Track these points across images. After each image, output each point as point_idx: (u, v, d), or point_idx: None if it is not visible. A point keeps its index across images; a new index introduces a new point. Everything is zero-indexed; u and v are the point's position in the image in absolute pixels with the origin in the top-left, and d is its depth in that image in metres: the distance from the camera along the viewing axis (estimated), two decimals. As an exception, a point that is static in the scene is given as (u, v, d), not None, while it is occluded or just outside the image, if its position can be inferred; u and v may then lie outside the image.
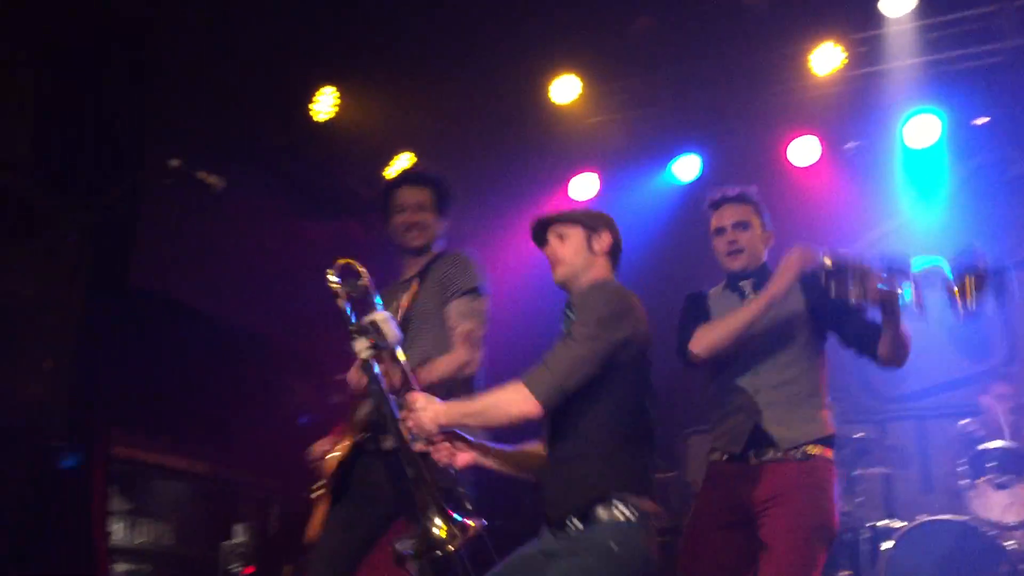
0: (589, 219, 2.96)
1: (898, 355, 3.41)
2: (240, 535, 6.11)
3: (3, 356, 3.74)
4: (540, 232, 2.99)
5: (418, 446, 2.74)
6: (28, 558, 3.81)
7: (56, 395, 3.97)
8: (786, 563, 3.15)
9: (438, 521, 2.62)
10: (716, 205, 3.69)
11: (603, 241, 2.93)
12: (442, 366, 3.36)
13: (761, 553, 3.21)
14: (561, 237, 2.93)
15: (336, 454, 3.42)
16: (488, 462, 2.86)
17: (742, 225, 3.60)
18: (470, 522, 2.64)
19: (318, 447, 3.47)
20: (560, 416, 2.67)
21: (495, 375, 3.50)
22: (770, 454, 3.30)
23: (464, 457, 2.80)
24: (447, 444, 2.77)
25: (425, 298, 3.51)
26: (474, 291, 3.49)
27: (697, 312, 3.57)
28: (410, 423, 2.70)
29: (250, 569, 5.94)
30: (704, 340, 3.36)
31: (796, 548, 3.16)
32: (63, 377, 4.00)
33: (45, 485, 3.92)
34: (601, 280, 2.88)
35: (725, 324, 3.36)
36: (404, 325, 3.36)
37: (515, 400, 2.60)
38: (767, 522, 3.21)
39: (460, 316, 3.45)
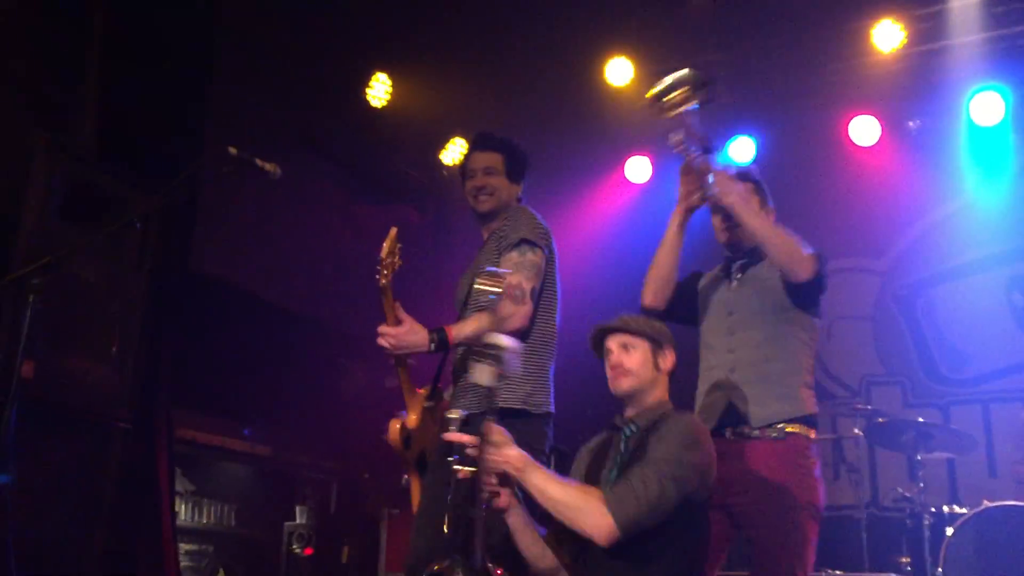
0: (656, 334, 2.89)
1: (773, 258, 3.34)
2: (301, 516, 6.21)
3: (71, 341, 3.83)
4: (600, 339, 2.93)
5: (486, 479, 2.56)
6: (96, 538, 3.91)
7: (122, 379, 4.05)
8: (775, 544, 3.15)
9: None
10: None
11: (668, 360, 2.89)
12: (474, 323, 3.30)
13: (749, 538, 3.22)
14: (626, 348, 2.87)
15: (397, 425, 3.46)
16: (518, 528, 2.69)
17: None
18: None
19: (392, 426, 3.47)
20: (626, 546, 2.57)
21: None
22: (744, 431, 3.27)
23: (507, 507, 2.65)
24: (507, 490, 2.63)
25: (484, 260, 3.47)
26: (523, 243, 3.39)
27: (688, 284, 3.65)
28: (495, 455, 2.55)
29: (310, 550, 6.03)
30: (645, 285, 3.53)
31: (780, 528, 3.15)
32: (128, 361, 4.09)
33: (112, 467, 4.01)
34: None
35: (652, 262, 3.54)
36: (468, 291, 3.44)
37: (595, 516, 2.50)
38: (745, 503, 3.19)
39: (507, 270, 3.35)
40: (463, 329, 3.33)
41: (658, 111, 3.25)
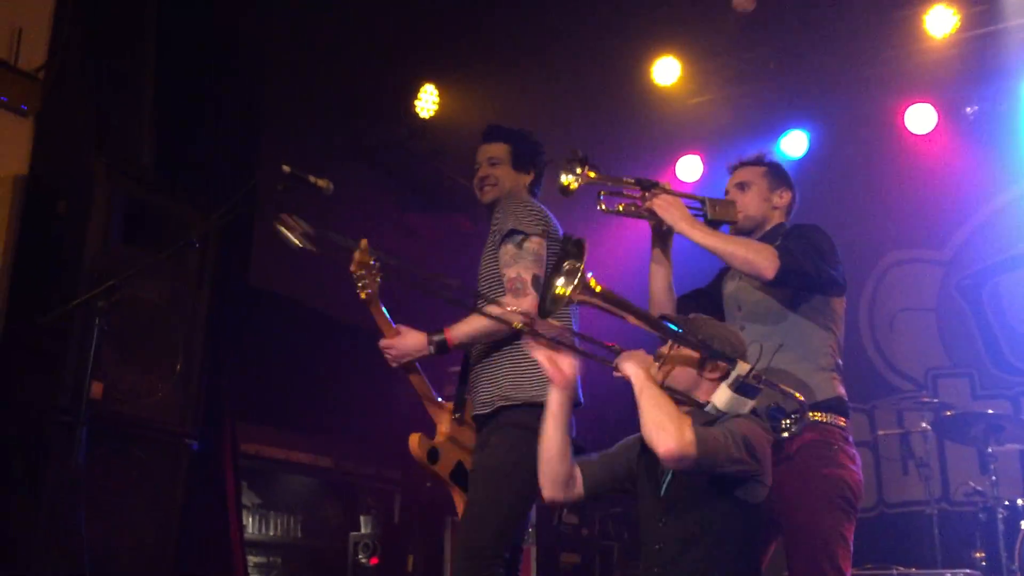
0: (710, 351, 2.82)
1: (735, 268, 3.34)
2: (365, 526, 6.26)
3: (137, 360, 3.91)
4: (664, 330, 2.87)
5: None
6: (167, 554, 3.98)
7: (187, 396, 4.12)
8: (802, 542, 3.07)
9: None
10: (731, 169, 3.68)
11: (718, 370, 2.81)
12: (474, 321, 3.31)
13: (783, 532, 3.13)
14: (669, 345, 2.85)
15: (416, 439, 3.55)
16: (564, 409, 2.81)
17: (741, 186, 3.56)
18: None
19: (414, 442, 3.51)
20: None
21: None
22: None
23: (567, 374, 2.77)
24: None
25: (484, 255, 3.51)
26: (513, 233, 3.35)
27: (715, 284, 3.67)
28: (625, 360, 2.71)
29: (376, 559, 6.07)
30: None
31: (807, 525, 3.07)
32: (193, 378, 4.16)
33: (180, 483, 4.08)
34: (744, 418, 2.75)
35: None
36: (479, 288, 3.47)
37: (682, 429, 2.52)
38: (774, 500, 3.03)
39: (505, 265, 3.35)
40: (462, 328, 3.35)
41: (572, 188, 3.32)
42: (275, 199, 3.30)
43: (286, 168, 3.17)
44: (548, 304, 2.71)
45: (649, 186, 3.41)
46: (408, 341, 3.45)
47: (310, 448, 6.19)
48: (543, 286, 2.80)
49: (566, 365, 2.73)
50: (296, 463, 6.17)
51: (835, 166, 7.04)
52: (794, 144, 7.18)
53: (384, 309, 3.48)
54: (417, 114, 6.83)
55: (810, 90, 6.84)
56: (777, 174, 3.61)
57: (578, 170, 3.30)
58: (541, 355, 2.73)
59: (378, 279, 3.41)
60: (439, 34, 6.32)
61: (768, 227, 3.51)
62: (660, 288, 3.51)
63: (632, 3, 6.21)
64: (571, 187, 3.31)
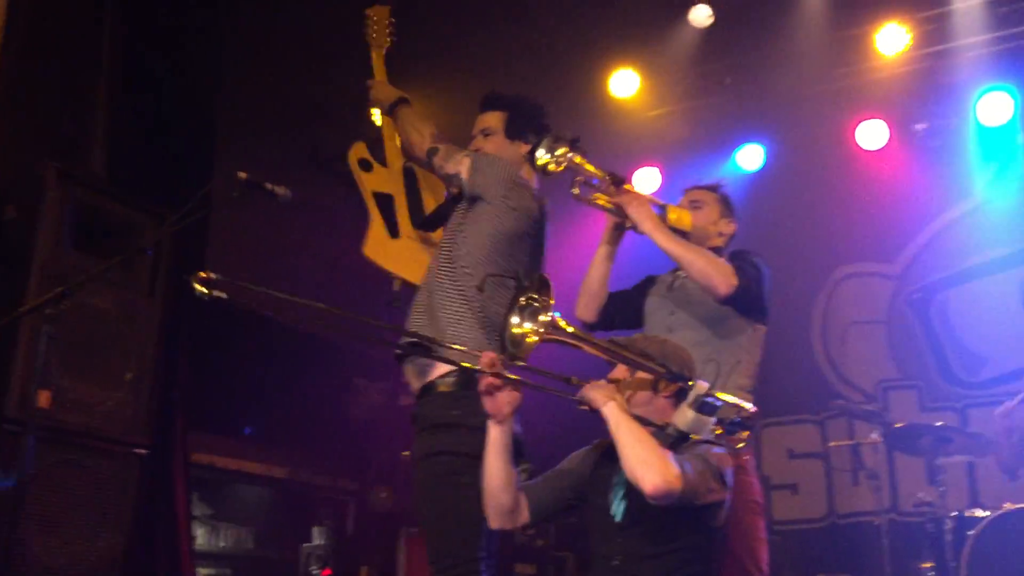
0: (671, 374, 2.82)
1: (690, 277, 3.41)
2: (318, 537, 6.20)
3: (86, 369, 3.85)
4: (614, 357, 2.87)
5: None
6: (115, 564, 3.91)
7: (137, 404, 4.06)
8: (736, 541, 3.14)
9: None
10: (687, 189, 3.79)
11: (670, 389, 2.84)
12: (412, 120, 3.45)
13: None
14: (627, 368, 2.84)
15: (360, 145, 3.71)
16: (502, 446, 2.75)
17: (695, 204, 3.67)
18: None
19: None
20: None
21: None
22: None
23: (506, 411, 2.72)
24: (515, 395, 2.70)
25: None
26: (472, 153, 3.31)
27: (640, 288, 3.73)
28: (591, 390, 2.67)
29: (328, 571, 6.02)
30: (578, 299, 3.61)
31: (733, 527, 3.09)
32: (144, 387, 4.10)
33: (129, 493, 4.02)
34: (701, 445, 2.76)
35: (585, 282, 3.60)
36: None
37: (665, 464, 2.49)
38: None
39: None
40: (407, 115, 3.47)
41: (550, 169, 3.33)
42: (231, 206, 3.26)
43: (242, 175, 3.12)
44: (511, 347, 2.66)
45: (619, 182, 3.46)
46: (384, 89, 3.66)
47: (263, 458, 6.13)
48: (501, 326, 2.73)
49: (505, 400, 2.68)
50: (248, 473, 6.10)
51: (789, 180, 7.14)
52: (750, 158, 7.27)
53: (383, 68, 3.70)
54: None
55: (765, 105, 6.94)
56: (729, 205, 3.73)
57: (559, 151, 3.28)
58: (482, 386, 2.66)
59: (388, 40, 3.72)
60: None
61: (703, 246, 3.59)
62: (598, 281, 3.59)
63: (591, 16, 6.25)
64: (549, 167, 3.29)
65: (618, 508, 2.73)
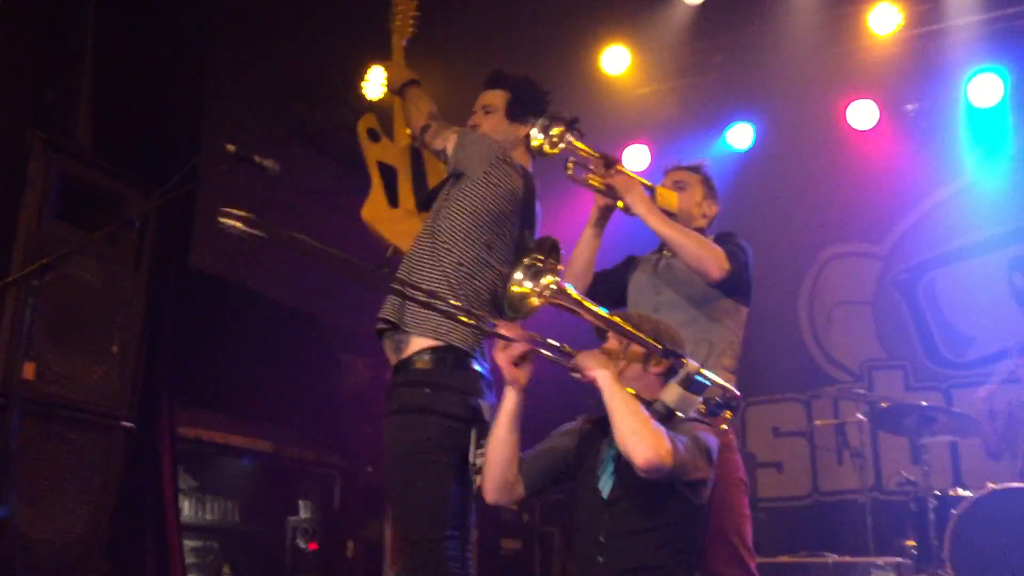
0: (665, 351, 2.81)
1: (683, 261, 3.42)
2: (304, 511, 6.21)
3: (71, 341, 3.82)
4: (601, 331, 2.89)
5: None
6: (100, 537, 3.91)
7: (123, 378, 4.04)
8: (720, 516, 3.17)
9: None
10: (668, 169, 3.80)
11: (661, 365, 2.85)
12: (421, 101, 3.48)
13: None
14: (620, 342, 2.84)
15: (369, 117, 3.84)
16: (512, 417, 2.77)
17: (679, 184, 3.68)
18: None
19: None
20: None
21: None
22: None
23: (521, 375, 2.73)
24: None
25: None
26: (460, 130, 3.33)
27: (622, 269, 3.75)
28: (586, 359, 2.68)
29: (314, 544, 6.03)
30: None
31: (718, 506, 3.15)
32: (129, 360, 4.08)
33: (115, 466, 4.00)
34: (688, 422, 2.78)
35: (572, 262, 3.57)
36: None
37: (658, 438, 2.51)
38: None
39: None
40: (417, 97, 3.50)
41: (546, 151, 3.34)
42: (218, 179, 3.24)
43: (230, 148, 3.09)
44: (509, 307, 2.65)
45: (611, 163, 3.46)
46: (396, 71, 3.69)
47: (249, 432, 6.11)
48: (503, 285, 2.73)
49: (525, 368, 2.69)
50: (235, 447, 6.08)
51: (779, 159, 7.14)
52: (740, 136, 7.26)
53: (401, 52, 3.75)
54: (364, 96, 6.75)
55: (756, 84, 6.93)
56: (711, 186, 3.75)
57: (554, 131, 3.29)
58: (503, 357, 2.67)
59: (411, 29, 3.78)
60: (385, 19, 6.25)
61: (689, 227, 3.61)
62: (584, 261, 3.58)
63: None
64: (544, 148, 3.31)
65: (605, 484, 2.74)
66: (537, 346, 2.70)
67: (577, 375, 2.70)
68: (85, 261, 3.85)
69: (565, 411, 3.08)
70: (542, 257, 2.63)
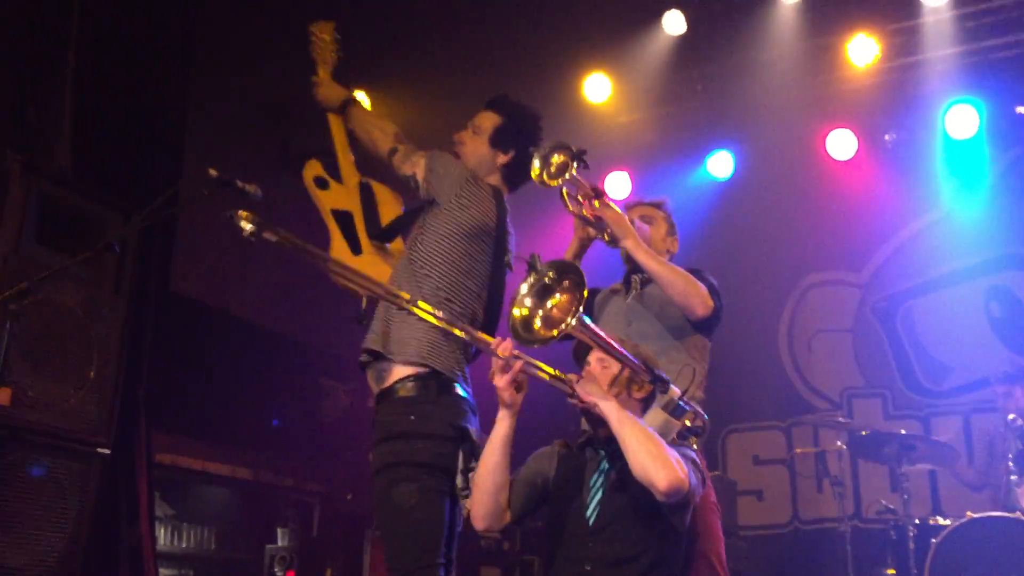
0: (656, 375, 2.87)
1: (670, 296, 3.47)
2: (282, 538, 6.15)
3: (49, 366, 3.78)
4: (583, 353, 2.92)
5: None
6: (75, 565, 3.85)
7: (100, 403, 4.00)
8: (701, 540, 3.26)
9: None
10: (632, 204, 3.87)
11: (644, 391, 2.90)
12: (372, 119, 3.45)
13: None
14: (603, 363, 2.87)
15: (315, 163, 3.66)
16: (503, 441, 2.77)
17: (645, 219, 3.76)
18: None
19: None
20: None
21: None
22: None
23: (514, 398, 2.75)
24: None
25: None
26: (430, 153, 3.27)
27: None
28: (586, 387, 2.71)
29: (292, 572, 5.96)
30: None
31: (702, 524, 3.28)
32: (107, 385, 4.03)
33: (91, 492, 3.95)
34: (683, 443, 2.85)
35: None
36: None
37: (671, 464, 2.56)
38: None
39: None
40: (362, 115, 3.48)
41: (545, 181, 3.30)
42: (200, 204, 3.22)
43: (213, 172, 3.08)
44: (525, 333, 2.61)
45: (599, 195, 3.49)
46: (332, 88, 3.63)
47: (227, 459, 6.05)
48: (513, 302, 2.68)
49: (522, 391, 2.71)
50: (213, 474, 6.02)
51: (759, 187, 7.19)
52: (720, 165, 7.31)
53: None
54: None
55: (736, 113, 6.99)
56: (673, 223, 3.84)
57: (556, 159, 3.26)
58: (502, 379, 2.67)
59: (334, 57, 3.68)
60: (371, 43, 6.27)
61: None
62: None
63: (565, 20, 6.26)
64: (544, 178, 3.26)
65: (592, 512, 2.73)
66: (535, 369, 2.69)
67: (575, 401, 2.71)
68: (64, 285, 3.82)
69: (535, 430, 3.08)
70: (569, 284, 2.62)
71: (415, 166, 3.24)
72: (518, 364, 2.64)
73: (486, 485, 2.76)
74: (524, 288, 2.67)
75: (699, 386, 3.52)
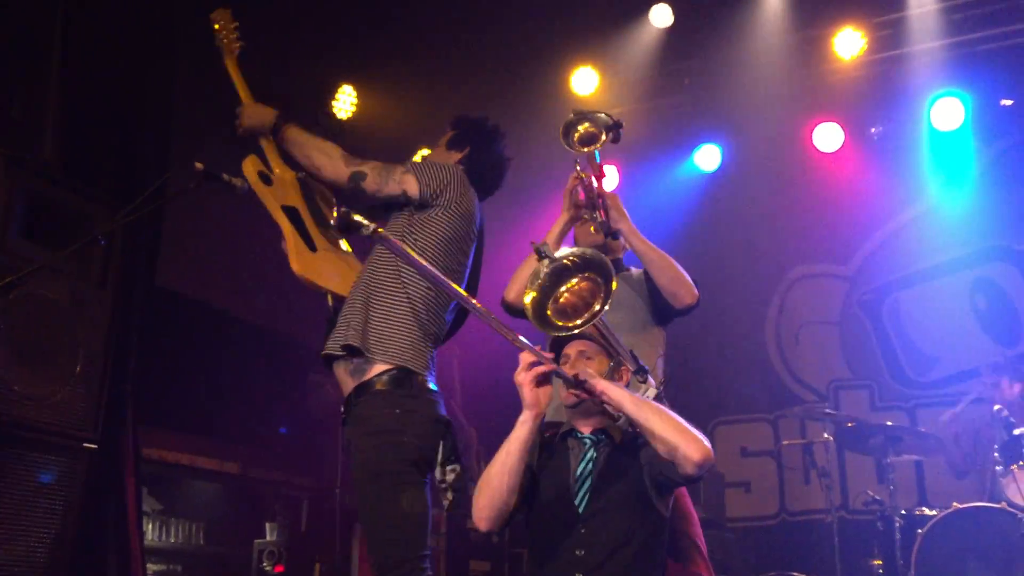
0: (616, 350, 2.88)
1: (661, 283, 3.52)
2: (271, 533, 6.14)
3: (35, 361, 3.76)
4: (559, 346, 2.92)
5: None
6: (62, 560, 3.84)
7: (87, 398, 3.98)
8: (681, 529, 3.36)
9: None
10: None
11: (623, 381, 2.91)
12: (317, 140, 3.30)
13: None
14: (584, 355, 2.88)
15: (251, 159, 3.50)
16: (525, 445, 2.73)
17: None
18: None
19: None
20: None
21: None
22: None
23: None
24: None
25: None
26: (405, 164, 3.24)
27: None
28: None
29: (281, 567, 5.95)
30: (511, 284, 3.60)
31: (682, 512, 3.36)
32: (94, 380, 4.01)
33: (78, 487, 3.94)
34: None
35: (524, 264, 3.58)
36: None
37: (699, 438, 2.60)
38: None
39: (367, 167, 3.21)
40: (298, 135, 3.32)
41: (571, 143, 3.40)
42: (187, 197, 3.21)
43: (199, 165, 3.08)
44: (553, 319, 2.60)
45: (601, 176, 3.61)
46: (258, 111, 3.45)
47: (215, 453, 6.03)
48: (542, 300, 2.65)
49: (544, 392, 2.66)
50: (200, 469, 6.01)
51: (746, 180, 7.21)
52: (707, 158, 7.32)
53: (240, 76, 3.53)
54: (335, 115, 6.75)
55: (723, 106, 7.00)
56: None
57: (585, 127, 3.36)
58: (527, 377, 2.62)
59: (237, 44, 3.55)
60: (358, 35, 6.26)
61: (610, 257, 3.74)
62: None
63: (553, 13, 6.25)
64: (573, 142, 3.36)
65: (583, 499, 2.75)
66: (555, 367, 2.67)
67: (572, 393, 2.74)
68: (50, 279, 3.79)
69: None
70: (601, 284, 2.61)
71: (403, 184, 3.19)
72: (546, 366, 2.62)
73: (500, 487, 2.70)
74: (543, 273, 2.63)
75: (661, 376, 3.58)
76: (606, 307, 2.54)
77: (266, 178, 3.43)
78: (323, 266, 3.38)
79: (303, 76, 6.42)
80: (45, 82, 4.46)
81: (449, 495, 2.96)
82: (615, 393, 2.66)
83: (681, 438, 2.58)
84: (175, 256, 5.30)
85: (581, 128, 3.40)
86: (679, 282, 3.48)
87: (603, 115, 3.40)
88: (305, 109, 6.66)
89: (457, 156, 3.41)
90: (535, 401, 2.64)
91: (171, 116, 5.22)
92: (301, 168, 3.40)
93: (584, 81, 6.98)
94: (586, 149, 3.37)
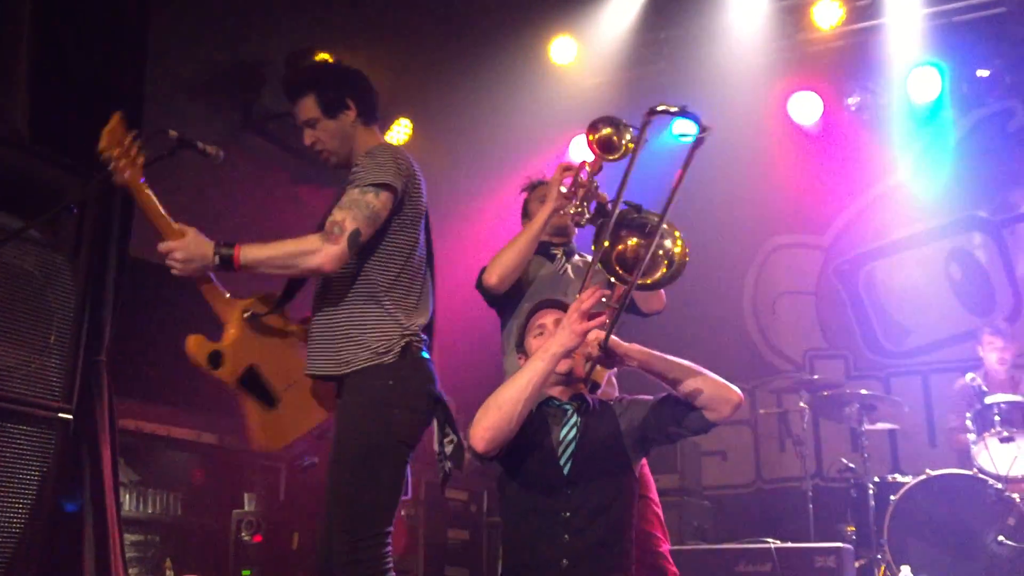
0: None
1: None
2: (249, 503, 6.14)
3: (7, 331, 3.72)
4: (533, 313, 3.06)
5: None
6: (38, 531, 3.82)
7: (61, 368, 3.94)
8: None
9: None
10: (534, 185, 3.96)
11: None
12: (272, 248, 2.94)
13: None
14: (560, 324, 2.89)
15: (193, 340, 3.48)
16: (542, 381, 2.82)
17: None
18: None
19: None
20: None
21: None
22: None
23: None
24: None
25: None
26: (371, 185, 2.92)
27: None
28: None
29: (259, 537, 5.96)
30: (494, 268, 3.56)
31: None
32: (67, 350, 3.98)
33: (53, 459, 3.91)
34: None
35: (508, 248, 3.58)
36: None
37: (729, 385, 2.83)
38: None
39: (338, 205, 2.92)
40: (257, 252, 2.96)
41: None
42: (160, 164, 3.17)
43: (173, 133, 3.04)
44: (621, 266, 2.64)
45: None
46: (198, 246, 3.02)
47: (192, 424, 6.01)
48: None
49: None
50: (178, 439, 5.99)
51: (723, 151, 7.20)
52: (686, 128, 7.30)
53: (156, 200, 3.03)
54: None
55: (701, 76, 6.97)
56: None
57: (607, 131, 3.45)
58: (580, 321, 2.66)
59: (140, 160, 3.00)
60: (330, 3, 6.19)
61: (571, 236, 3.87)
62: (527, 260, 3.64)
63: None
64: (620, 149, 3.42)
65: (567, 462, 2.80)
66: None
67: (583, 364, 2.84)
68: (21, 249, 3.75)
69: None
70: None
71: (382, 199, 2.95)
72: (602, 317, 2.66)
73: (511, 413, 2.68)
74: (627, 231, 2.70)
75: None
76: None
77: (216, 358, 3.26)
78: (284, 417, 3.27)
79: (279, 44, 6.35)
80: (14, 50, 4.39)
81: (447, 465, 2.93)
82: (641, 353, 2.77)
83: (718, 384, 2.78)
84: (150, 225, 5.24)
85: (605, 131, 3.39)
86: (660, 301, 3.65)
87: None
88: (278, 78, 6.60)
89: (347, 120, 3.13)
90: (574, 342, 2.68)
91: (144, 84, 5.15)
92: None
93: (563, 50, 6.94)
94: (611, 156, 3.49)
